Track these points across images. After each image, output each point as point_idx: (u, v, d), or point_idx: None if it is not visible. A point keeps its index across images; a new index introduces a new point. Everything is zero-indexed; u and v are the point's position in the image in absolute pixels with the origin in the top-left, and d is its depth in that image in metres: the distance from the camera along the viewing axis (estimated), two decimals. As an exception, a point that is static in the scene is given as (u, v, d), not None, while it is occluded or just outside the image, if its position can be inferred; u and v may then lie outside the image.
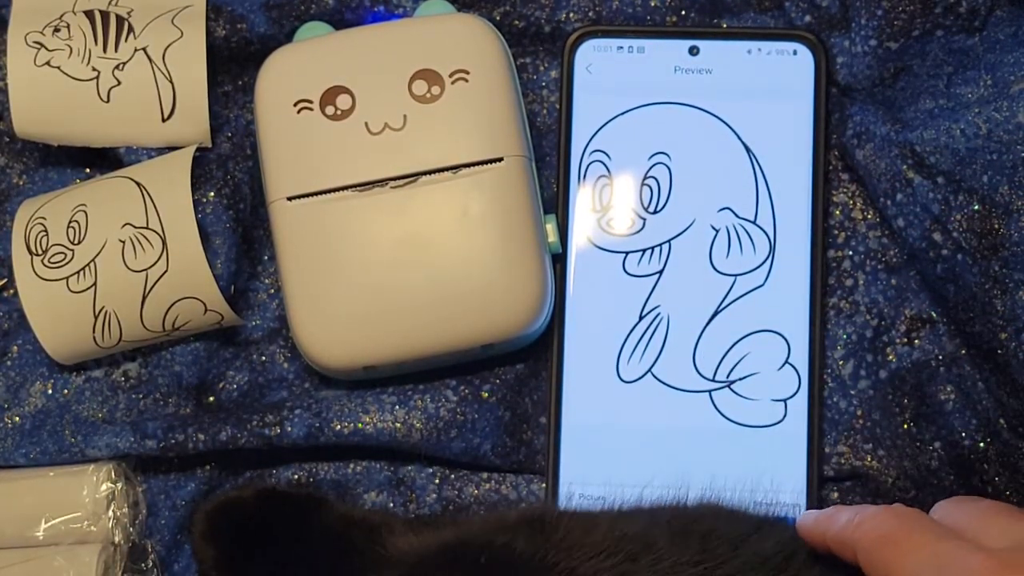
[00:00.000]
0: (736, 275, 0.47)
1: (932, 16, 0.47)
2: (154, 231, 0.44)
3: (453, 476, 0.47)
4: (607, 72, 0.48)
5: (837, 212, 0.48)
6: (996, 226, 0.45)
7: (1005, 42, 0.47)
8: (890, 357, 0.47)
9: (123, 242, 0.44)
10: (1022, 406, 0.44)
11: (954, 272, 0.45)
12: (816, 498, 0.46)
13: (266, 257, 0.49)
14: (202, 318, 0.45)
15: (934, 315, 0.47)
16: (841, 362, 0.47)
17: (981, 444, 0.45)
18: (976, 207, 0.45)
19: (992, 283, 0.45)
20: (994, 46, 0.47)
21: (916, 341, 0.47)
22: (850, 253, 0.48)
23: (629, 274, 0.47)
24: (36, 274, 0.45)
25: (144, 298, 0.44)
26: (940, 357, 0.47)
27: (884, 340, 0.47)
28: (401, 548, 0.40)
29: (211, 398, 0.48)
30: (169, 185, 0.45)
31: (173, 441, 0.45)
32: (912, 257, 0.47)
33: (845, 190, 0.48)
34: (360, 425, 0.45)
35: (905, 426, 0.47)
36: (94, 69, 0.46)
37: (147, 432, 0.45)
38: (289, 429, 0.45)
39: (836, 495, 0.47)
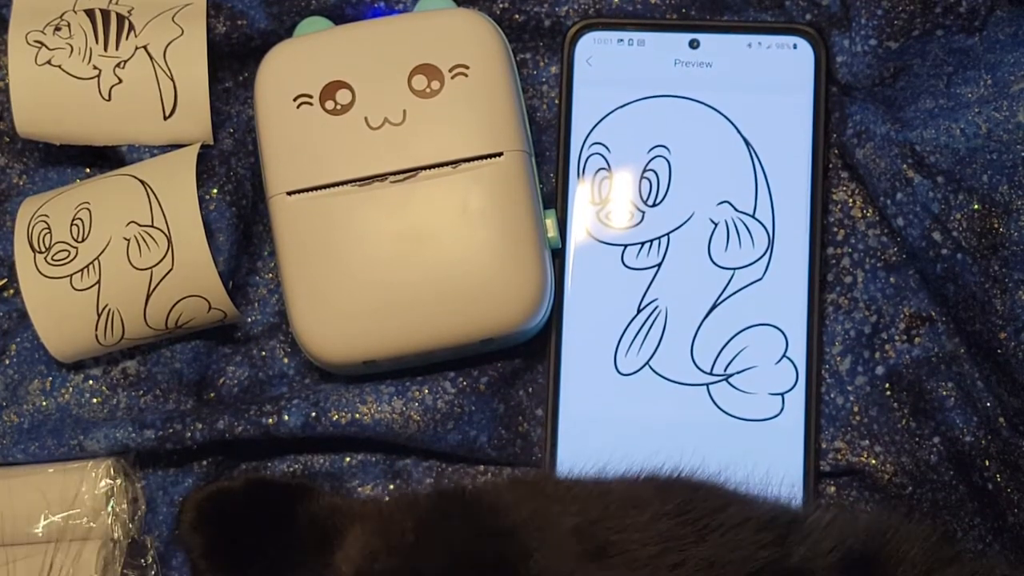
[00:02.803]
0: (735, 269, 0.47)
1: (932, 16, 0.46)
2: (159, 229, 0.45)
3: (450, 469, 0.48)
4: (607, 65, 0.48)
5: (837, 210, 0.48)
6: (996, 225, 0.45)
7: (1005, 42, 0.46)
8: (888, 354, 0.47)
9: (128, 240, 0.45)
10: (1022, 404, 0.45)
11: (954, 271, 0.45)
12: (812, 493, 0.46)
13: (266, 252, 0.49)
14: (205, 316, 0.46)
15: (933, 314, 0.47)
16: (839, 358, 0.47)
17: (982, 442, 0.45)
18: (976, 206, 0.45)
19: (992, 282, 0.45)
20: (994, 46, 0.47)
21: (916, 339, 0.47)
22: (849, 250, 0.48)
23: (628, 267, 0.48)
24: (39, 272, 0.45)
25: (148, 296, 0.45)
26: (939, 355, 0.47)
27: (883, 337, 0.47)
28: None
29: (211, 394, 0.48)
30: (174, 183, 0.45)
31: (171, 430, 0.45)
32: (912, 256, 0.47)
33: (845, 188, 0.48)
34: (357, 415, 0.46)
35: (904, 422, 0.47)
36: (95, 68, 0.46)
37: (145, 422, 0.45)
38: (287, 418, 0.46)
39: (833, 489, 0.47)
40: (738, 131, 0.48)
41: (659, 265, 0.48)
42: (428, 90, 0.46)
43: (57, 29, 0.46)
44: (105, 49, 0.46)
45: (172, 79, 0.47)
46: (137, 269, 0.45)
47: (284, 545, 0.43)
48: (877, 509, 0.46)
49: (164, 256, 0.45)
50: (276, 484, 0.45)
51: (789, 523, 0.40)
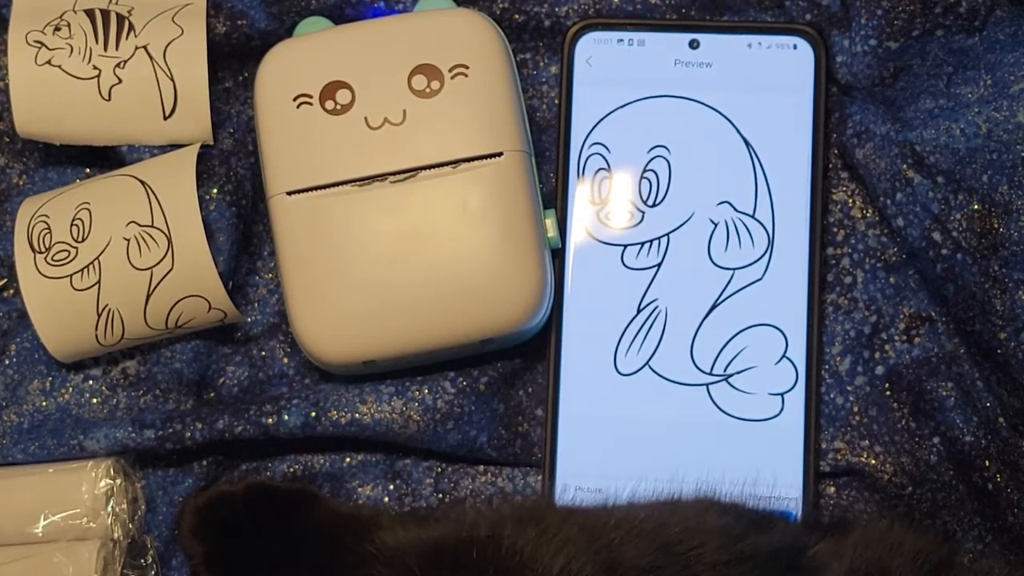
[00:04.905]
0: (734, 269, 0.47)
1: (932, 16, 0.47)
2: (159, 229, 0.45)
3: (450, 469, 0.48)
4: (607, 65, 0.48)
5: (836, 210, 0.48)
6: (996, 226, 0.45)
7: (1005, 42, 0.46)
8: (888, 354, 0.47)
9: (128, 240, 0.45)
10: (1022, 404, 0.45)
11: (953, 271, 0.45)
12: (812, 493, 0.46)
13: (266, 252, 0.49)
14: (205, 316, 0.46)
15: (933, 314, 0.47)
16: (838, 358, 0.47)
17: (982, 442, 0.45)
18: (976, 207, 0.45)
19: (991, 282, 0.45)
20: (994, 46, 0.47)
21: (915, 339, 0.47)
22: (849, 251, 0.48)
23: (628, 267, 0.48)
24: (39, 271, 0.45)
25: (148, 296, 0.45)
26: (939, 355, 0.47)
27: (883, 337, 0.47)
28: (389, 544, 0.41)
29: (211, 394, 0.48)
30: (174, 183, 0.45)
31: (171, 430, 0.45)
32: (911, 256, 0.47)
33: (845, 188, 0.48)
34: (357, 415, 0.46)
35: (904, 422, 0.47)
36: (95, 68, 0.46)
37: (145, 422, 0.45)
38: (286, 418, 0.46)
39: (833, 490, 0.47)
40: (738, 131, 0.48)
41: (659, 265, 0.48)
42: (428, 90, 0.46)
43: (57, 29, 0.46)
44: (105, 49, 0.46)
45: (172, 79, 0.47)
46: (137, 269, 0.45)
47: (284, 552, 0.43)
48: (870, 520, 0.46)
49: (164, 256, 0.45)
50: (276, 489, 0.45)
51: (793, 557, 0.40)
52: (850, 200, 0.48)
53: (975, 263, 0.45)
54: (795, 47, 0.48)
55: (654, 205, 0.48)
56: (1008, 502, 0.45)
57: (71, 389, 0.47)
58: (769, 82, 0.48)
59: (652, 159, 0.48)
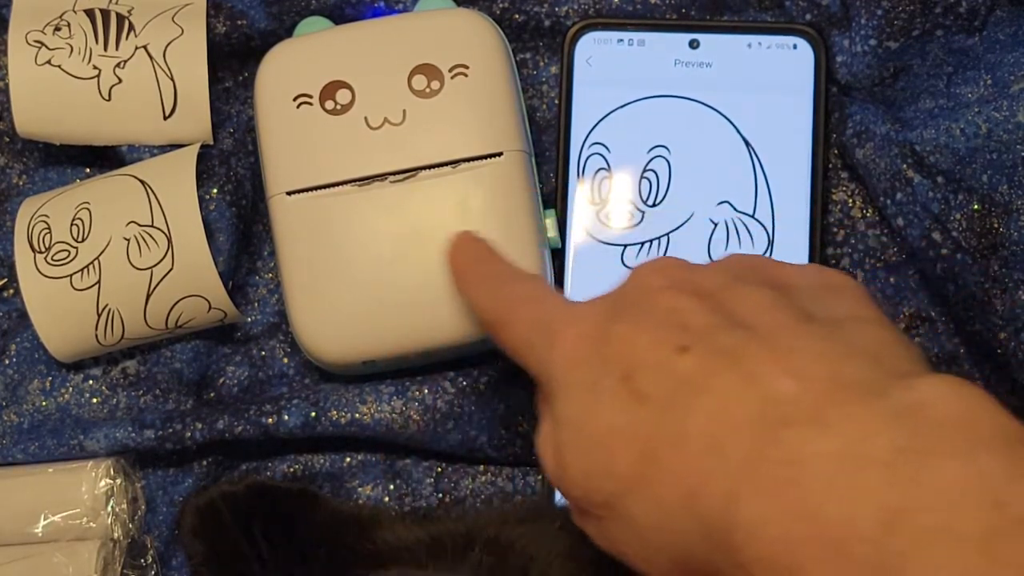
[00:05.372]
0: (735, 269, 0.47)
1: (932, 16, 0.46)
2: (159, 229, 0.45)
3: (450, 469, 0.48)
4: (607, 65, 0.48)
5: (836, 210, 0.48)
6: (996, 225, 0.45)
7: (1005, 42, 0.46)
8: (887, 353, 0.47)
9: (128, 240, 0.45)
10: (1022, 404, 0.44)
11: (953, 271, 0.45)
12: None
13: (266, 252, 0.49)
14: (206, 315, 0.46)
15: (933, 314, 0.47)
16: (838, 358, 0.47)
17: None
18: (976, 206, 0.45)
19: (991, 282, 0.45)
20: (994, 46, 0.47)
21: (915, 339, 0.47)
22: (849, 251, 0.48)
23: (628, 267, 0.47)
24: (39, 271, 0.45)
25: (148, 296, 0.45)
26: (939, 355, 0.47)
27: (881, 336, 0.47)
28: (390, 543, 0.41)
29: (211, 394, 0.48)
30: (174, 183, 0.45)
31: (171, 430, 0.45)
32: (911, 256, 0.47)
33: (844, 188, 0.48)
34: (357, 415, 0.46)
35: (902, 421, 0.47)
36: (95, 67, 0.46)
37: (145, 422, 0.45)
38: (286, 418, 0.46)
39: (831, 489, 0.47)
40: (738, 131, 0.48)
41: (659, 265, 0.47)
42: (428, 90, 0.46)
43: (57, 29, 0.46)
44: (105, 49, 0.46)
45: (172, 79, 0.47)
46: (137, 269, 0.45)
47: (284, 552, 0.43)
48: None
49: (164, 256, 0.45)
50: (277, 489, 0.45)
51: None
52: (850, 200, 0.48)
53: (975, 263, 0.45)
54: (795, 47, 0.48)
55: (654, 205, 0.48)
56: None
57: (71, 389, 0.47)
58: (769, 82, 0.48)
59: (652, 159, 0.48)
